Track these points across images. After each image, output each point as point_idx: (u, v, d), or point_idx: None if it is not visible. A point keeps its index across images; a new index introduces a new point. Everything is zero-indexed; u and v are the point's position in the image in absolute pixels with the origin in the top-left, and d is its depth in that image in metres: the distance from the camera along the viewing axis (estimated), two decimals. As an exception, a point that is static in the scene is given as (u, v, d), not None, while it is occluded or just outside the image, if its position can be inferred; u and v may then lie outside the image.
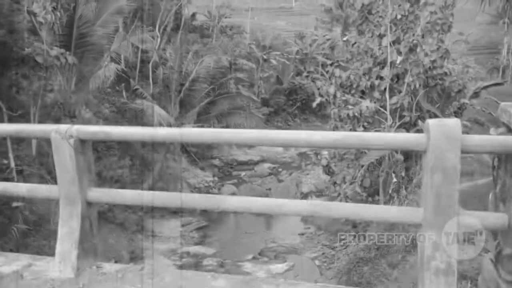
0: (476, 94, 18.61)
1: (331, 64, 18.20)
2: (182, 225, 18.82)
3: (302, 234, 18.34)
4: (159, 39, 22.15)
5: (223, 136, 2.48)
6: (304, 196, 22.76)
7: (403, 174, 13.89)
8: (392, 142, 2.35)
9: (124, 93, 20.81)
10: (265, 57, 32.81)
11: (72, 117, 15.17)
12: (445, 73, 14.82)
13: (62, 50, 12.35)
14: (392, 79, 14.56)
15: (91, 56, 15.47)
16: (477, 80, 25.21)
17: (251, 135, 2.21)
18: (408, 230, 12.36)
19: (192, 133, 2.42)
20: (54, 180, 10.99)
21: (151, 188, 19.68)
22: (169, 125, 18.07)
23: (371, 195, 15.90)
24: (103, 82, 14.31)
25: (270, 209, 2.50)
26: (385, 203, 14.51)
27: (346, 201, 14.40)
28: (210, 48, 28.33)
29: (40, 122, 15.39)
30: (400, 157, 14.03)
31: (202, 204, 2.69)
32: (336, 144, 2.17)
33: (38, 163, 13.83)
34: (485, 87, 19.37)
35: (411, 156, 15.68)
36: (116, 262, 13.44)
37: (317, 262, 15.95)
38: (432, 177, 2.28)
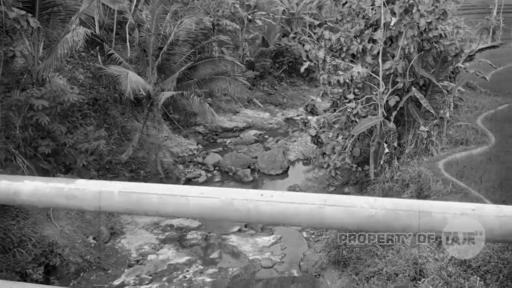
0: (470, 58, 17.78)
1: (319, 25, 17.10)
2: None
3: (289, 204, 17.75)
4: (135, -1, 20.64)
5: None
6: (291, 164, 22.14)
7: (395, 144, 13.20)
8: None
9: (99, 57, 19.47)
10: (250, 17, 31.28)
11: (41, 85, 13.97)
12: (441, 36, 13.92)
13: (23, 12, 11.06)
14: (385, 42, 13.64)
15: (58, 18, 14.12)
16: (466, 41, 24.39)
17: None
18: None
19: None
20: (23, 155, 9.92)
21: (132, 158, 18.78)
22: (147, 93, 16.95)
23: (360, 165, 15.29)
24: (72, 47, 13.05)
25: None
26: (376, 174, 13.91)
27: (336, 173, 13.77)
28: (191, 8, 26.76)
29: (5, 91, 14.20)
30: (393, 126, 13.31)
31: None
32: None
33: (4, 136, 12.78)
34: (480, 50, 18.53)
35: (403, 123, 14.99)
36: (94, 238, 12.63)
37: (304, 234, 15.43)
38: None
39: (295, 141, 24.84)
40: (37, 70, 13.97)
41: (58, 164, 14.40)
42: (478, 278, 5.98)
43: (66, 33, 13.08)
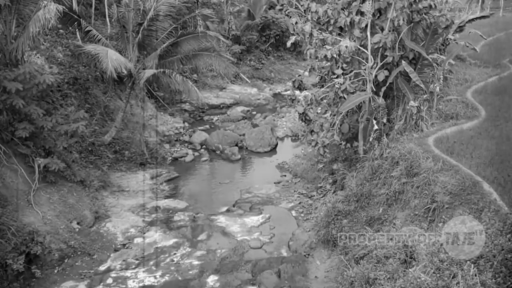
0: (460, 28, 17.33)
1: (305, -4, 16.46)
2: (151, 178, 17.70)
3: (278, 182, 17.51)
4: (113, -28, 19.68)
5: None
6: (280, 140, 21.80)
7: (384, 120, 12.87)
8: None
9: (78, 34, 18.65)
10: (235, -11, 30.34)
11: (15, 66, 13.29)
12: (430, 6, 13.42)
13: (-12, -12, 10.33)
14: (374, 15, 13.11)
15: (30, -6, 13.34)
16: (455, 11, 23.86)
17: None
18: (390, 182, 11.55)
19: None
20: None
21: (116, 138, 18.24)
22: (129, 71, 16.29)
23: (349, 141, 14.99)
24: (44, 25, 12.34)
25: None
26: (365, 151, 13.62)
27: (324, 151, 13.45)
28: (173, -20, 25.73)
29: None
30: (382, 101, 12.94)
31: None
32: None
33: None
34: (470, 20, 18.06)
35: (392, 98, 14.62)
36: (78, 223, 12.17)
37: (293, 212, 15.23)
38: None
39: (283, 117, 24.45)
40: (9, 50, 13.27)
41: (38, 147, 13.86)
42: (472, 265, 5.73)
43: (38, 10, 12.35)
